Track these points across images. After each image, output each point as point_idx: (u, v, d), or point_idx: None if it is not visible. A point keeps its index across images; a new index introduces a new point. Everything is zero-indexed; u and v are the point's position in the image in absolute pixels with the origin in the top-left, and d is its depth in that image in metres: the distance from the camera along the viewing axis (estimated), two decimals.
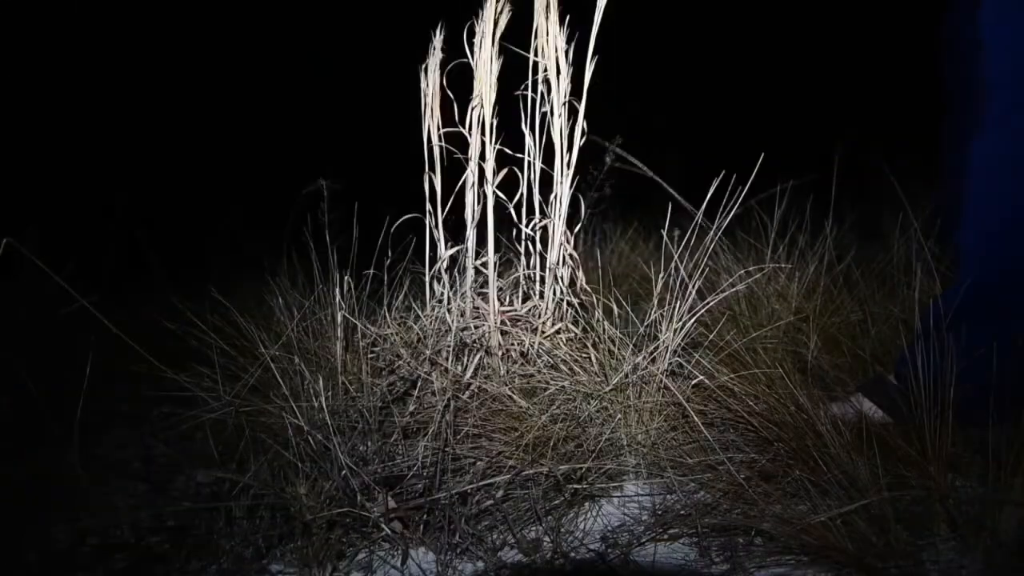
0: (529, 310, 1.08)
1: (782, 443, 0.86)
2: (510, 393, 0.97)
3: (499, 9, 0.99)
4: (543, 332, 1.05)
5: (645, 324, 1.02)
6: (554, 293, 1.08)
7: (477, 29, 1.00)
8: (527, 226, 1.06)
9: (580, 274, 1.09)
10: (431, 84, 1.06)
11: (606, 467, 0.91)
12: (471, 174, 1.04)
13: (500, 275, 1.10)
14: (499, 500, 0.85)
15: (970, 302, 0.93)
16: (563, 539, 0.82)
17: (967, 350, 0.84)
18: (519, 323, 1.07)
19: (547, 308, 1.07)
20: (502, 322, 1.04)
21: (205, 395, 1.09)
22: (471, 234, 1.06)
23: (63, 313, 0.97)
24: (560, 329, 1.06)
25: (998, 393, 0.80)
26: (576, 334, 1.06)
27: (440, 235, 1.10)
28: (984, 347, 0.85)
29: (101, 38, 3.40)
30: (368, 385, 0.98)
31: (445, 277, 1.08)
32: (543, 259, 1.08)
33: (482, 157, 1.05)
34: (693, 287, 0.99)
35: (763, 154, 1.11)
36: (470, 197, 1.06)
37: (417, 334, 1.06)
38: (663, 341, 0.98)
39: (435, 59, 1.04)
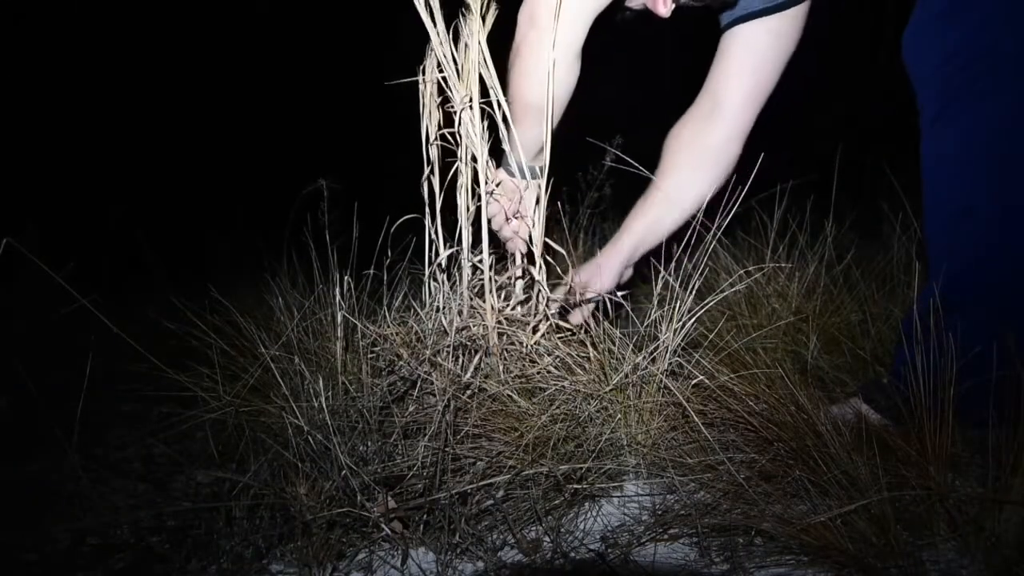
0: (526, 309, 1.08)
1: (782, 443, 0.86)
2: (510, 393, 0.97)
3: (484, 8, 0.99)
4: (538, 331, 1.05)
5: (645, 324, 1.02)
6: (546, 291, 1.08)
7: (464, 29, 1.00)
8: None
9: (569, 267, 1.10)
10: (428, 86, 1.06)
11: (606, 467, 0.91)
12: (462, 174, 1.05)
13: (497, 274, 1.10)
14: (499, 500, 0.85)
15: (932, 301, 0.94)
16: (563, 539, 0.82)
17: (964, 349, 0.84)
18: (516, 323, 1.07)
19: (537, 306, 1.07)
20: (499, 322, 1.04)
21: (205, 395, 1.09)
22: (465, 234, 1.06)
23: (63, 313, 0.97)
24: (552, 327, 1.06)
25: (996, 393, 0.80)
26: (575, 332, 1.06)
27: (439, 234, 1.10)
28: (981, 346, 0.85)
29: (102, 39, 3.40)
30: (368, 385, 0.98)
31: (442, 277, 1.08)
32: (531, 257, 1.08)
33: (474, 159, 1.05)
34: (693, 287, 0.99)
35: (763, 154, 1.11)
36: (462, 198, 1.06)
37: (417, 334, 1.06)
38: (663, 341, 0.98)
39: (432, 61, 1.04)
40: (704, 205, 1.12)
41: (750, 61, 1.12)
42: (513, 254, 1.17)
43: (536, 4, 1.04)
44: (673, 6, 1.05)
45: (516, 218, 1.12)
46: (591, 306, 1.18)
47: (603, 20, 1.08)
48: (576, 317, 1.17)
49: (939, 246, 0.98)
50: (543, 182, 1.05)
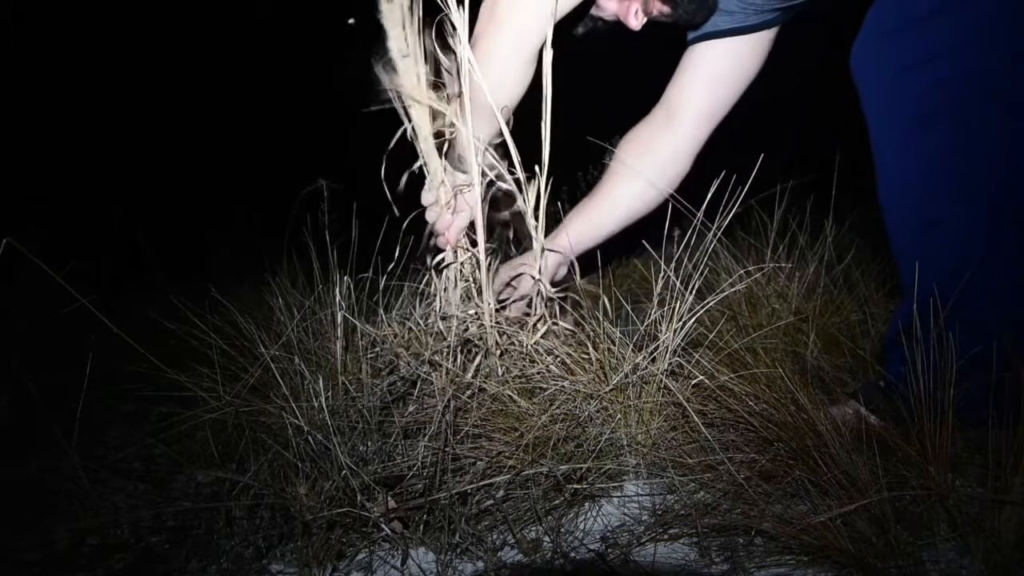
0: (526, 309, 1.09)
1: (782, 443, 0.86)
2: (510, 393, 0.97)
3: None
4: (538, 331, 1.05)
5: (645, 324, 1.02)
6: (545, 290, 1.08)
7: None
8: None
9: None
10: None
11: (606, 467, 0.91)
12: (428, 177, 1.05)
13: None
14: (499, 500, 0.85)
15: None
16: (563, 539, 0.82)
17: (963, 350, 0.84)
18: (516, 323, 1.07)
19: (539, 306, 1.07)
20: (498, 322, 1.04)
21: (205, 395, 1.09)
22: (444, 234, 1.07)
23: (63, 313, 0.97)
24: (553, 326, 1.06)
25: (996, 393, 0.80)
26: (575, 332, 1.06)
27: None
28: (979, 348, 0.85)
29: (103, 40, 3.40)
30: (368, 385, 0.98)
31: (441, 276, 1.08)
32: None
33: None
34: (693, 287, 0.99)
35: (763, 154, 1.11)
36: (431, 197, 1.06)
37: (416, 334, 1.06)
38: (663, 341, 0.98)
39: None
40: (645, 214, 1.13)
41: (708, 79, 1.13)
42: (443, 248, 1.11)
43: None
44: (644, 20, 1.06)
45: (451, 213, 1.09)
46: (524, 302, 1.16)
47: (573, 29, 1.09)
48: (512, 312, 1.15)
49: (909, 260, 0.95)
50: (478, 178, 1.01)
